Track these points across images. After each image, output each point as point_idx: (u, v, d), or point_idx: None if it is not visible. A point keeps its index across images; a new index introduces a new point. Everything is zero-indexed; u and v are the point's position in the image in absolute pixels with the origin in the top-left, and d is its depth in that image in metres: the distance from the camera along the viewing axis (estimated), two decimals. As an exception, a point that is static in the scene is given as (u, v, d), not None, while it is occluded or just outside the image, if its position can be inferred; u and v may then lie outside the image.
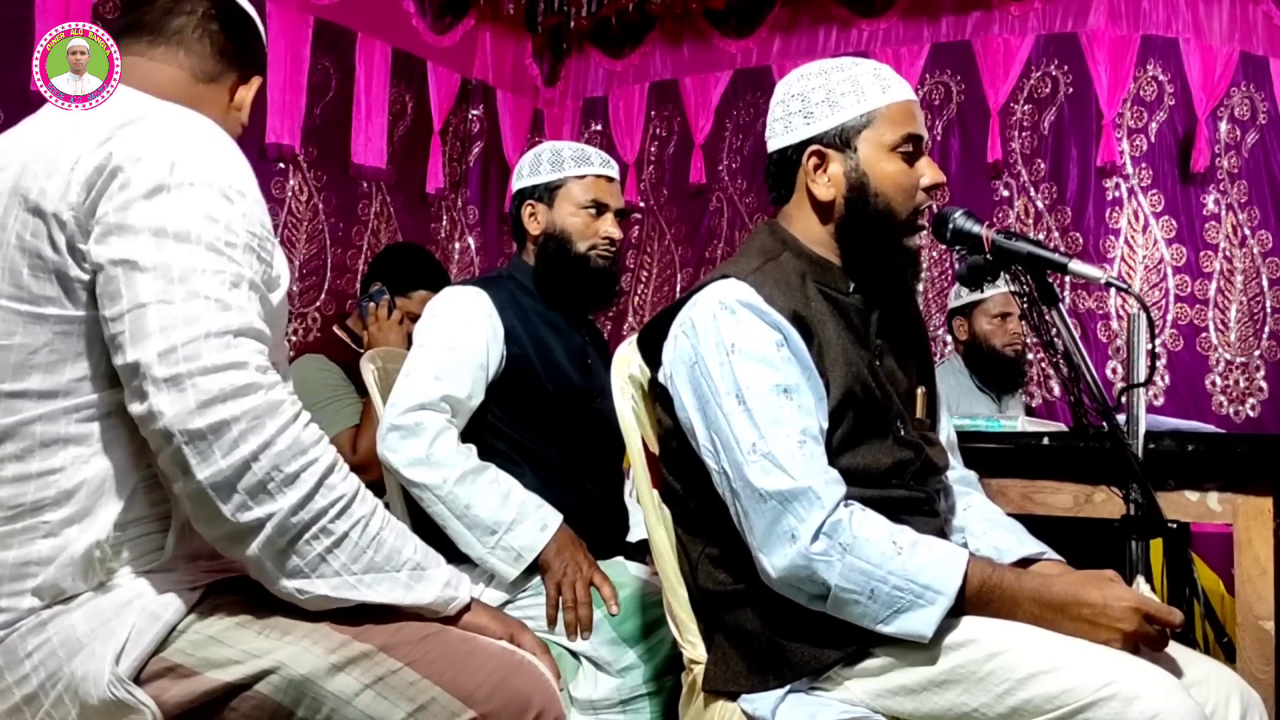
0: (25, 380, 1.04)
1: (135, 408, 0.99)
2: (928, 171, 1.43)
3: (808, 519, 1.26)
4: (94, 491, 1.05)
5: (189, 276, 0.99)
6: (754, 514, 1.29)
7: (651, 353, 1.48)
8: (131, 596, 1.05)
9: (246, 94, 1.27)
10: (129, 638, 1.02)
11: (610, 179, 2.01)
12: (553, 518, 1.79)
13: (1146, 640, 1.24)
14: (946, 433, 1.61)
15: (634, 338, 1.56)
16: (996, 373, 3.08)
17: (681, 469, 1.44)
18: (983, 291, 3.00)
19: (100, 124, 1.07)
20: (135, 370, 0.97)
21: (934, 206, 1.48)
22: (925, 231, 1.48)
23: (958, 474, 1.60)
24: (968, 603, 1.26)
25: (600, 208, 1.98)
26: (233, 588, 1.09)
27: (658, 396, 1.48)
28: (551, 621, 1.75)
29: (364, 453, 2.40)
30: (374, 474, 2.42)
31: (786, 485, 1.27)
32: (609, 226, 1.98)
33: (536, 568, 1.77)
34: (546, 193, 1.99)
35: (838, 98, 1.42)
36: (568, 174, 1.98)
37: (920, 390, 1.52)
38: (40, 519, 1.04)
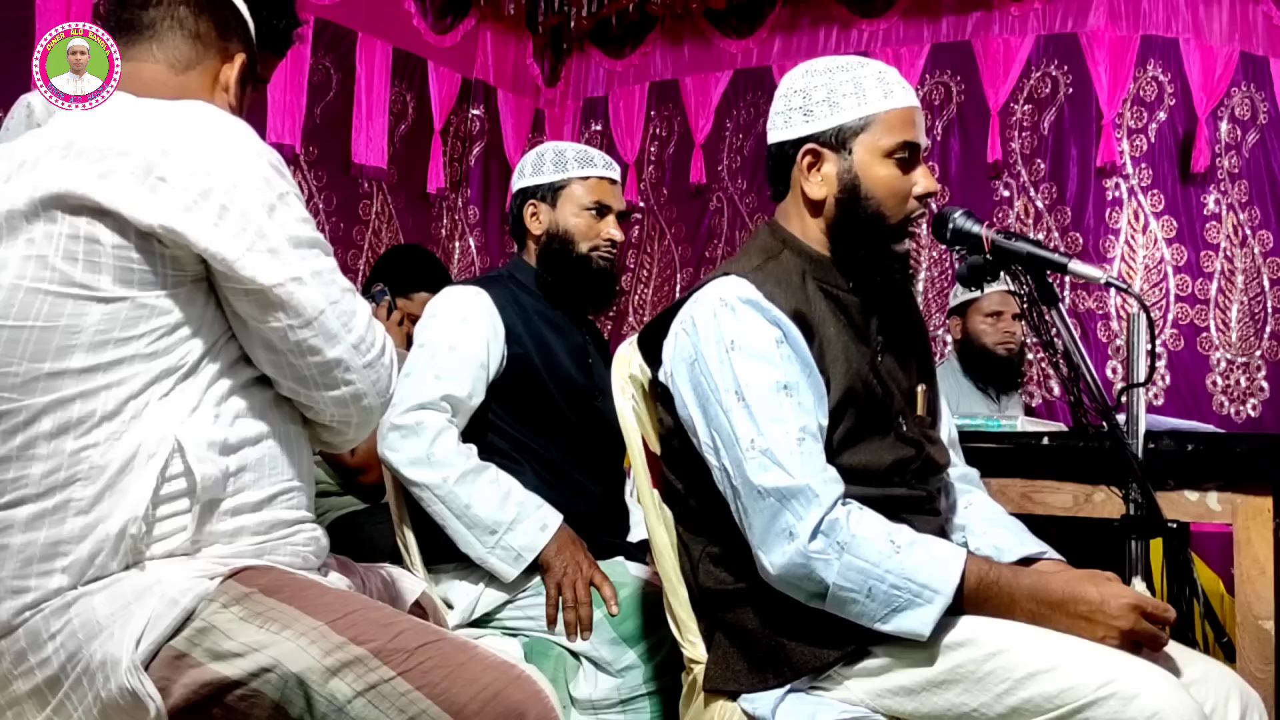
0: (67, 360, 1.06)
1: (331, 393, 1.16)
2: (921, 180, 1.43)
3: (805, 517, 1.26)
4: (125, 467, 1.07)
5: (332, 275, 1.15)
6: (753, 511, 1.29)
7: (652, 351, 1.49)
8: (152, 581, 1.06)
9: (230, 72, 1.27)
10: (148, 622, 1.04)
11: (613, 181, 2.01)
12: (553, 517, 1.79)
13: (1144, 638, 1.24)
14: (948, 430, 1.61)
15: (634, 337, 1.56)
16: (990, 371, 3.07)
17: (682, 468, 1.44)
18: (981, 291, 3.00)
19: (155, 132, 1.09)
20: (337, 364, 1.15)
21: (933, 209, 1.48)
22: (919, 235, 1.48)
23: (959, 472, 1.60)
24: (965, 600, 1.26)
25: (603, 209, 1.98)
26: (246, 579, 1.10)
27: (658, 395, 1.48)
28: (551, 621, 1.75)
29: (362, 454, 2.40)
30: (373, 475, 2.42)
31: (785, 483, 1.27)
32: (611, 228, 1.98)
33: (537, 567, 1.77)
34: (550, 193, 1.99)
35: (838, 98, 1.42)
36: (571, 175, 1.98)
37: (921, 388, 1.52)
38: (71, 495, 1.06)
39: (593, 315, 2.13)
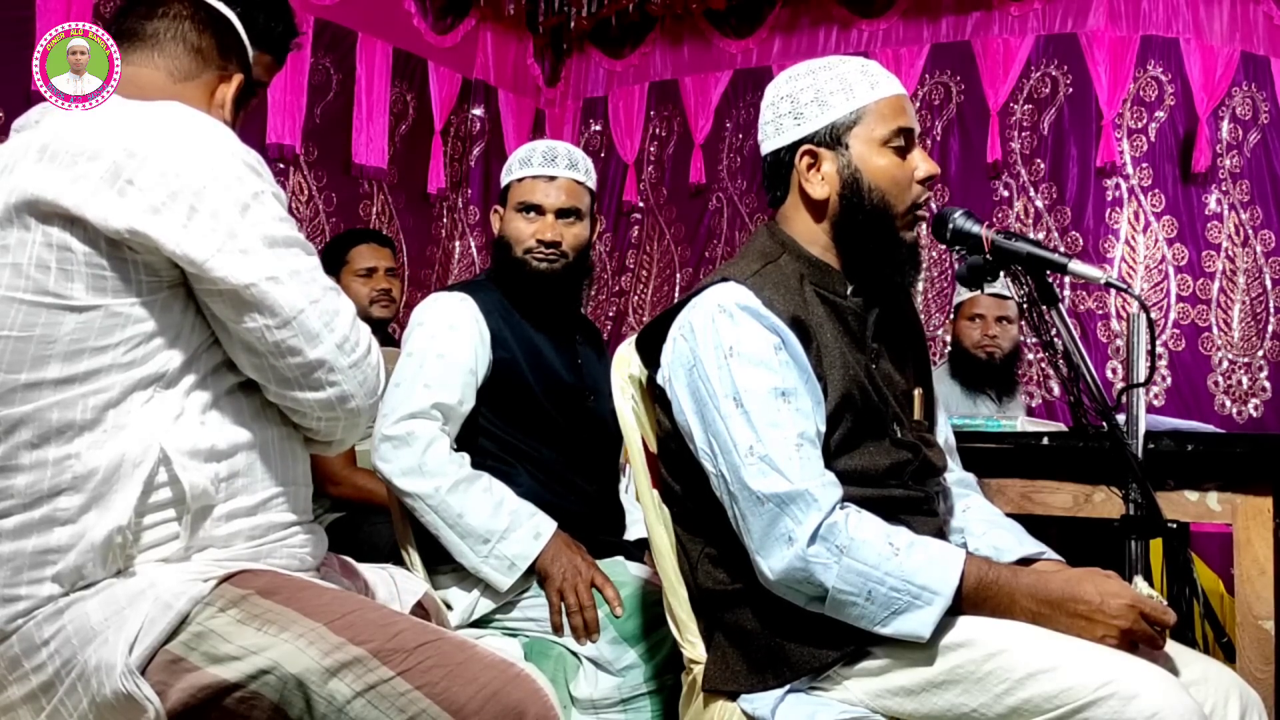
0: (43, 370, 1.06)
1: (315, 395, 1.14)
2: (921, 164, 1.42)
3: (804, 521, 1.26)
4: (109, 477, 1.06)
5: (313, 274, 1.13)
6: (751, 517, 1.29)
7: (650, 355, 1.48)
8: (145, 585, 1.07)
9: (227, 90, 1.28)
10: (141, 627, 1.04)
11: (550, 177, 1.91)
12: (546, 525, 1.78)
13: (1142, 638, 1.24)
14: (945, 435, 1.61)
15: (634, 338, 1.56)
16: (973, 374, 3.08)
17: (681, 469, 1.44)
18: (975, 292, 3.01)
19: (125, 134, 1.08)
20: (319, 365, 1.12)
21: (932, 201, 1.48)
22: (925, 227, 1.48)
23: (956, 476, 1.60)
24: (965, 601, 1.26)
25: (533, 209, 1.91)
26: (242, 582, 1.10)
27: (656, 397, 1.48)
28: (557, 629, 1.74)
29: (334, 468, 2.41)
30: (345, 490, 2.41)
31: (783, 488, 1.27)
32: (541, 228, 1.90)
33: (534, 575, 1.76)
34: (504, 196, 1.97)
35: (826, 97, 1.42)
36: (512, 177, 1.95)
37: (917, 392, 1.52)
38: (57, 506, 1.06)
39: (583, 313, 2.11)
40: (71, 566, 1.05)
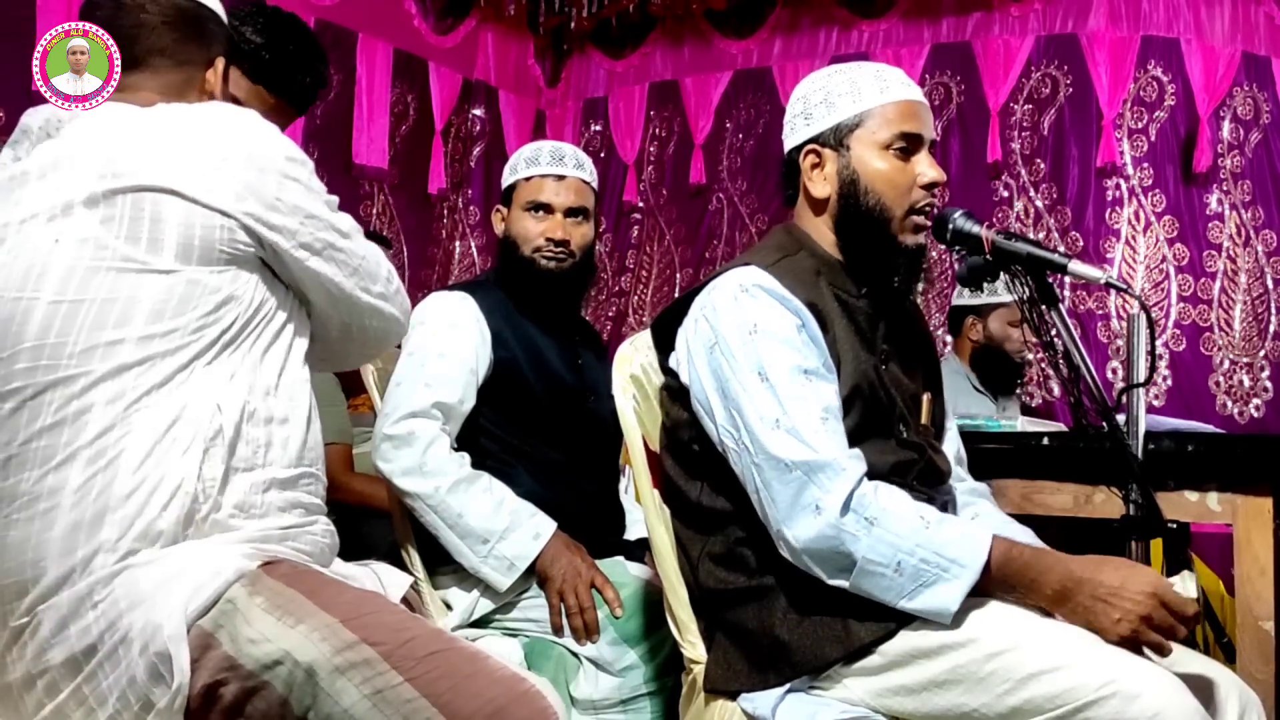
0: (125, 328, 1.11)
1: (376, 324, 1.34)
2: (927, 169, 1.43)
3: (833, 490, 1.26)
4: (172, 428, 1.11)
5: (358, 228, 1.30)
6: (777, 484, 1.28)
7: (664, 341, 1.49)
8: (195, 557, 1.09)
9: (214, 77, 1.32)
10: (188, 596, 1.06)
11: (559, 177, 1.92)
12: (546, 526, 1.77)
13: (1161, 626, 1.21)
14: (956, 446, 1.61)
15: (635, 337, 1.57)
16: (1001, 375, 3.08)
17: (687, 461, 1.44)
18: (998, 294, 3.00)
19: (193, 126, 1.18)
20: (380, 296, 1.32)
21: (936, 204, 1.48)
22: (928, 229, 1.48)
23: (968, 486, 1.60)
24: (990, 579, 1.25)
25: (543, 208, 1.92)
26: (273, 569, 1.11)
27: (665, 386, 1.49)
28: (558, 630, 1.74)
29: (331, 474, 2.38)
30: (339, 495, 2.39)
31: (810, 457, 1.27)
32: (551, 227, 1.91)
33: (531, 575, 1.76)
34: (508, 196, 1.98)
35: (835, 99, 1.44)
36: (518, 177, 1.95)
37: (926, 396, 1.52)
38: (123, 453, 1.09)
39: (579, 313, 2.10)
40: (133, 513, 1.08)
